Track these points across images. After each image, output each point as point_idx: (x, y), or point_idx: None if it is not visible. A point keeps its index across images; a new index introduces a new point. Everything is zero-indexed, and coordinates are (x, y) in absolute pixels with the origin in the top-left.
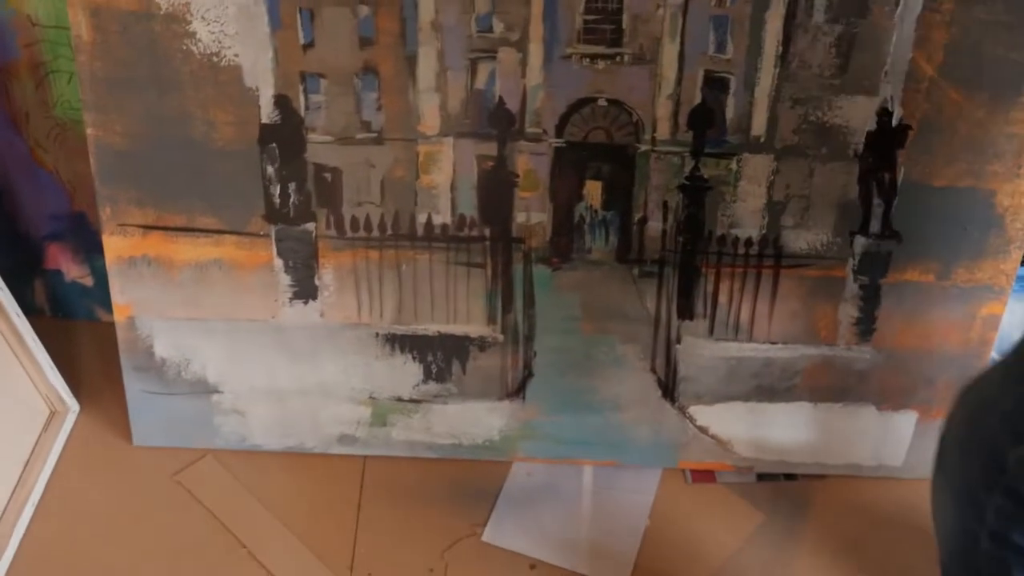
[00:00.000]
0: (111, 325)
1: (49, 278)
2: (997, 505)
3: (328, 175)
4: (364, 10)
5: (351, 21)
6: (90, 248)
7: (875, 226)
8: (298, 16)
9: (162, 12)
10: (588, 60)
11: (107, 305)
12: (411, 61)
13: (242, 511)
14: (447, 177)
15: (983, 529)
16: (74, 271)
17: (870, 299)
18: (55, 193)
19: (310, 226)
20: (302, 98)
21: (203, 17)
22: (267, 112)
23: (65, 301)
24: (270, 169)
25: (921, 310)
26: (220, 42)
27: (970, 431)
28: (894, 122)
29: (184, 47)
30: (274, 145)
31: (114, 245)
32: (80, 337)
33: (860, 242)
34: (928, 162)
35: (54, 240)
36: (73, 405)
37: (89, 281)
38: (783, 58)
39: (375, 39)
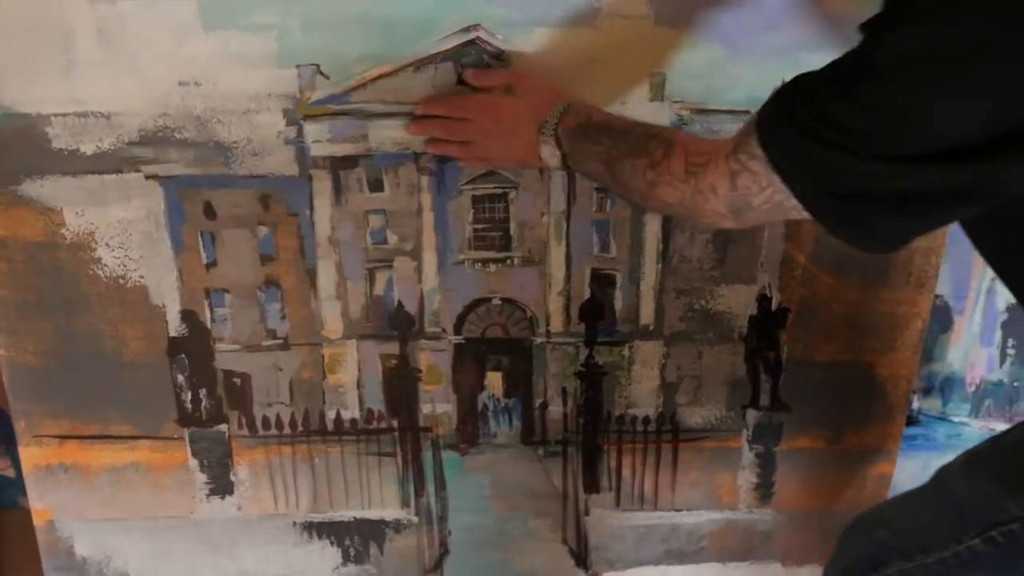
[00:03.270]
0: None
1: None
2: None
3: (237, 380)
4: (263, 230)
5: (251, 240)
6: (11, 441)
7: (765, 400)
8: (200, 239)
9: (67, 241)
10: (480, 264)
11: None
12: (311, 273)
13: None
14: (353, 376)
15: None
16: None
17: (766, 466)
18: None
19: (223, 427)
20: (208, 312)
21: (107, 244)
22: (175, 326)
23: None
24: (180, 377)
25: (816, 473)
26: (125, 265)
27: None
28: (773, 306)
29: (91, 272)
30: (183, 356)
31: (31, 455)
32: (3, 526)
33: (752, 415)
34: (809, 340)
35: None
36: None
37: (11, 472)
38: (664, 254)
39: (275, 255)
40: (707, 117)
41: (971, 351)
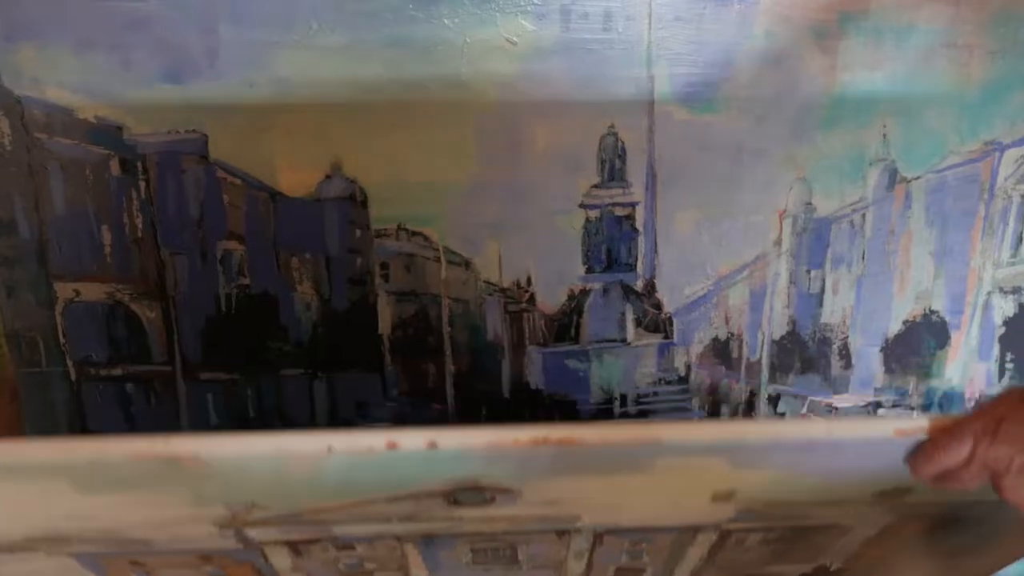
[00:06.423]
0: None
1: None
2: None
3: None
4: (209, 569)
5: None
6: None
7: None
8: None
9: None
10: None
11: None
12: None
13: None
14: None
15: None
16: None
17: None
18: None
19: None
20: None
21: None
22: None
23: None
24: None
25: None
26: None
27: None
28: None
29: None
30: None
31: None
32: None
33: None
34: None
35: None
36: None
37: None
38: (710, 559)
39: None
40: (779, 510)
41: (969, 366)
